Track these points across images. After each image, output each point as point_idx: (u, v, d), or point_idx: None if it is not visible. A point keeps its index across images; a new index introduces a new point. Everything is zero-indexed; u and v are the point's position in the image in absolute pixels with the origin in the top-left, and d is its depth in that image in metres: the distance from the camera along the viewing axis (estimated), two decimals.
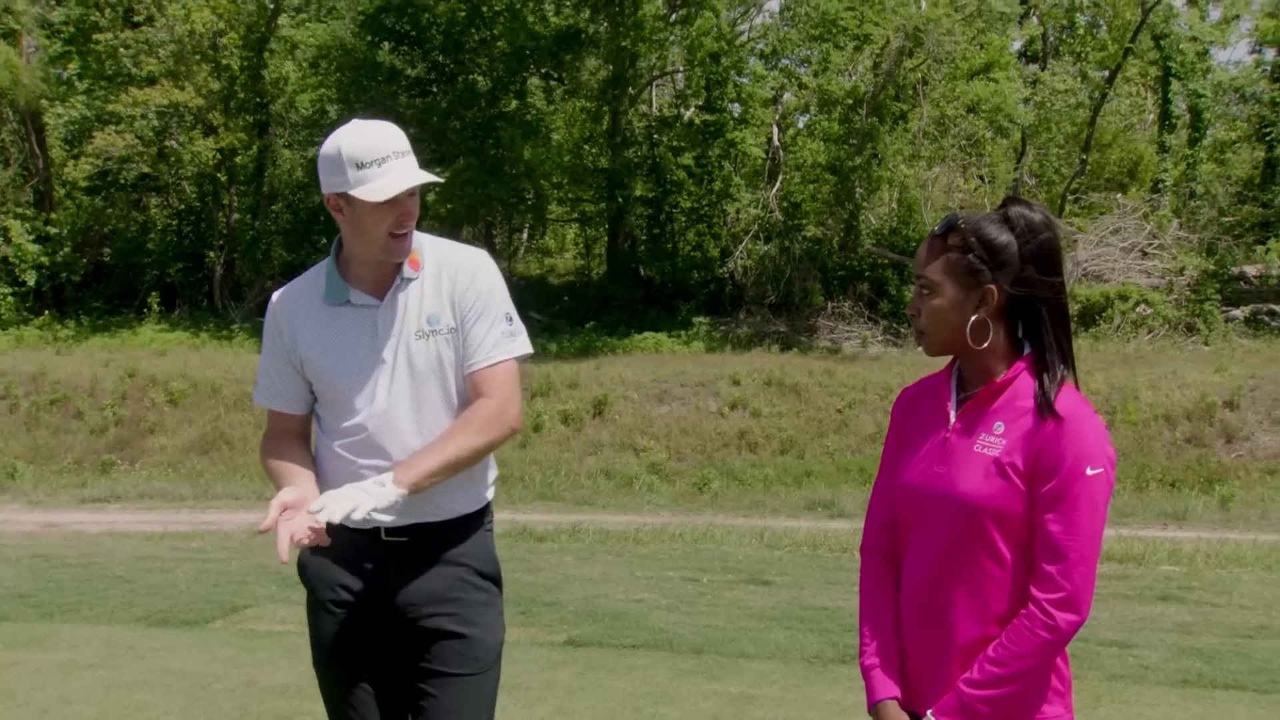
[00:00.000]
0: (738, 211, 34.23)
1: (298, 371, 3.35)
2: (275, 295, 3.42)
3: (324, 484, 3.29)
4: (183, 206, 36.83)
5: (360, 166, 3.15)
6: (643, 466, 23.52)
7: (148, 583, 10.14)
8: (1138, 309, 29.88)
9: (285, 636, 7.80)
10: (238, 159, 34.70)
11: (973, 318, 2.68)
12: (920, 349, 2.85)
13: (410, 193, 3.21)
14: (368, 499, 3.08)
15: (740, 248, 33.15)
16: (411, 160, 3.23)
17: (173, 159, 34.58)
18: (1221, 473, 22.18)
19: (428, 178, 3.24)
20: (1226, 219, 32.80)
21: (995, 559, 2.65)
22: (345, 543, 3.25)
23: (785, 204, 33.19)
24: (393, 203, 3.18)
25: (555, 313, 33.17)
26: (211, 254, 34.69)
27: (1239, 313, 30.20)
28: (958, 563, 2.67)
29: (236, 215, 35.32)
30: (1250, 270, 30.87)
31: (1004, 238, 2.67)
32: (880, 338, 30.82)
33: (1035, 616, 2.61)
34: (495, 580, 3.44)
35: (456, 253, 3.41)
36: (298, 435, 3.40)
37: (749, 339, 30.65)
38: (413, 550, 3.32)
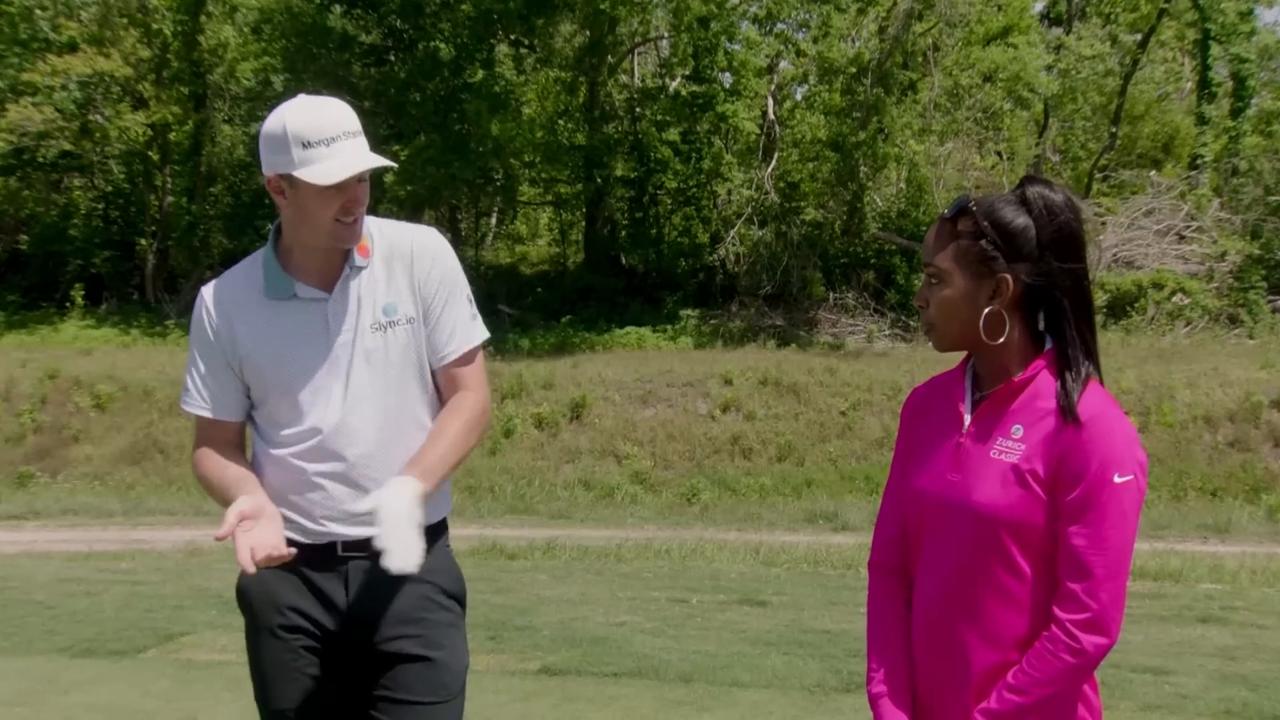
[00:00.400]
0: (729, 193, 34.23)
1: (236, 375, 3.34)
2: (205, 290, 3.39)
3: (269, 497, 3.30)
4: (109, 188, 36.68)
5: (306, 146, 3.16)
6: (625, 476, 23.52)
7: (71, 608, 10.10)
8: (1174, 299, 29.99)
9: (227, 667, 7.78)
10: (171, 135, 34.57)
11: (986, 310, 2.68)
12: (930, 344, 2.86)
13: (360, 177, 3.23)
14: (413, 508, 3.10)
15: (732, 233, 33.17)
16: (363, 142, 3.24)
17: (97, 135, 34.43)
18: (1269, 480, 22.28)
19: (380, 162, 3.24)
20: (1273, 198, 32.87)
21: (1014, 575, 2.65)
22: (296, 557, 3.24)
23: (782, 184, 33.21)
24: (340, 187, 3.19)
25: (528, 306, 33.15)
26: (143, 241, 34.57)
27: None
28: (973, 580, 2.68)
29: (170, 198, 35.20)
30: None
31: (1020, 221, 2.67)
32: (887, 332, 30.87)
33: (1059, 639, 2.61)
34: (460, 600, 3.47)
35: (407, 234, 3.44)
36: (235, 446, 3.40)
37: (742, 334, 30.67)
38: (372, 566, 3.25)
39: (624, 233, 35.26)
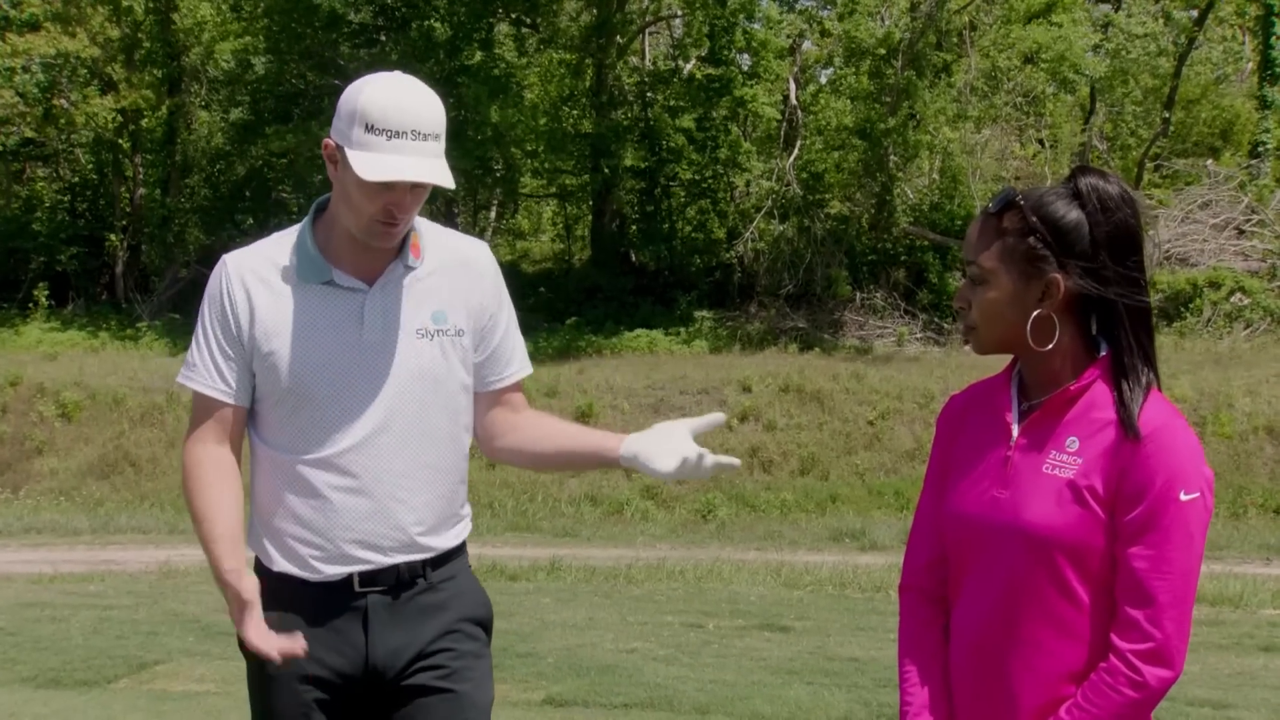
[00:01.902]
0: (748, 184, 34.26)
1: (242, 353, 3.26)
2: (228, 257, 3.31)
3: (262, 509, 3.25)
4: (76, 179, 36.77)
5: (369, 129, 3.12)
6: (635, 491, 23.54)
7: (35, 635, 10.11)
8: (1232, 299, 29.95)
9: (204, 698, 7.77)
10: (143, 122, 34.66)
11: (1034, 313, 2.66)
12: (968, 347, 2.83)
13: (411, 187, 3.17)
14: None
15: (751, 228, 33.19)
16: (433, 149, 3.17)
17: (63, 121, 34.53)
18: None
19: (439, 180, 3.17)
20: None
21: (1070, 602, 2.63)
22: (305, 599, 3.23)
23: (805, 175, 33.24)
24: (388, 186, 3.14)
25: (530, 306, 33.15)
26: (112, 237, 34.64)
27: None
28: (1023, 607, 2.65)
29: (142, 190, 35.29)
30: None
31: (1072, 216, 2.65)
32: (919, 335, 30.90)
33: (1118, 671, 2.58)
34: (487, 627, 3.44)
35: (465, 244, 3.44)
36: (234, 441, 3.31)
37: (762, 337, 30.70)
38: (392, 599, 3.28)
39: (634, 227, 35.30)
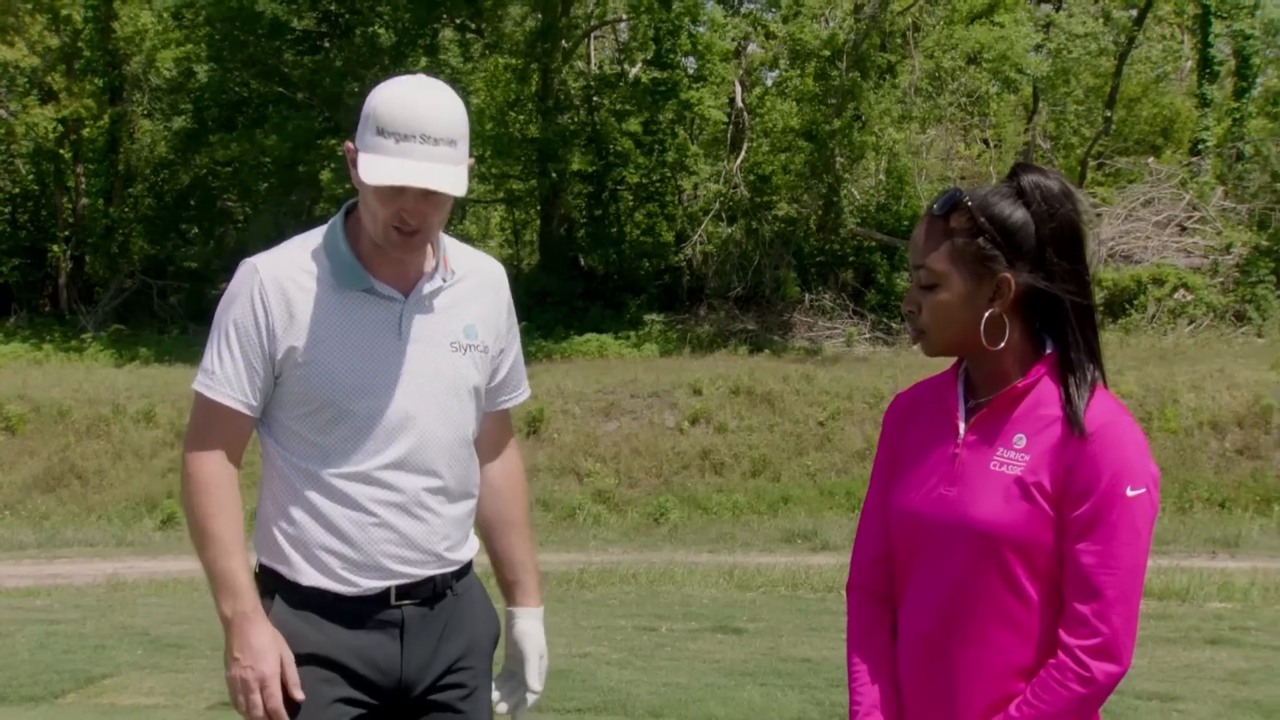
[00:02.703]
0: (695, 187, 34.35)
1: (269, 369, 3.16)
2: (259, 263, 3.20)
3: (289, 524, 3.17)
4: (17, 190, 36.45)
5: (380, 132, 3.05)
6: (587, 495, 23.54)
7: None
8: (1176, 295, 30.25)
9: (154, 711, 7.71)
10: (85, 131, 34.42)
11: (986, 314, 2.66)
12: (916, 348, 2.82)
13: (423, 194, 3.08)
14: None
15: (699, 231, 33.27)
16: (448, 154, 3.08)
17: (2, 131, 34.27)
18: None
19: (441, 185, 3.06)
20: None
21: (1019, 598, 2.63)
22: (338, 614, 3.17)
23: (752, 177, 33.34)
24: (398, 192, 3.06)
25: None
26: (55, 248, 34.39)
27: None
28: (972, 604, 2.66)
29: (85, 200, 35.02)
30: None
31: (1019, 215, 2.64)
32: (868, 335, 31.05)
33: (1067, 667, 2.59)
34: (496, 642, 3.43)
35: (485, 262, 3.42)
36: (239, 456, 3.21)
37: (711, 339, 30.76)
38: (428, 610, 3.26)
39: (582, 232, 35.31)
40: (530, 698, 3.44)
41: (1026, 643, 2.64)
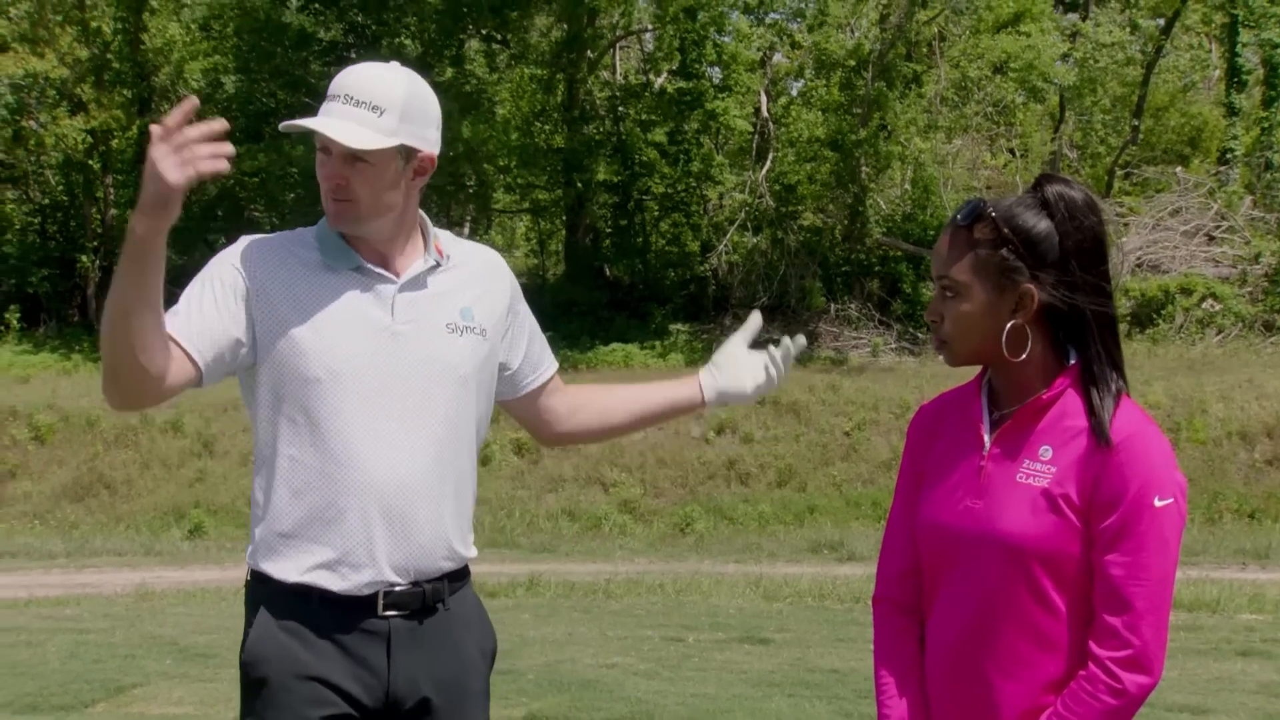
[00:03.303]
0: (721, 197, 34.33)
1: (234, 320, 3.05)
2: (247, 235, 3.20)
3: (277, 519, 3.07)
4: (46, 201, 36.63)
5: (329, 98, 3.10)
6: (613, 505, 23.56)
7: (11, 660, 10.06)
8: (1204, 305, 30.12)
9: None
10: (114, 142, 34.58)
11: (1009, 324, 2.66)
12: (941, 359, 2.83)
13: (346, 155, 3.04)
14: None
15: (724, 240, 33.25)
16: (366, 117, 3.05)
17: (32, 143, 34.43)
18: None
19: (339, 135, 3.02)
20: None
21: (1047, 610, 2.64)
22: (325, 617, 3.08)
23: (777, 187, 33.30)
24: (328, 156, 3.07)
25: None
26: (84, 258, 34.54)
27: None
28: (1000, 616, 2.66)
29: (114, 210, 35.17)
30: None
31: (1043, 226, 2.65)
32: (893, 345, 30.98)
33: (1097, 679, 2.59)
34: (494, 657, 3.33)
35: (480, 250, 3.41)
36: (162, 370, 2.95)
37: None
38: (416, 624, 3.15)
39: (607, 242, 35.32)
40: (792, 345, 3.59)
41: (1055, 654, 2.64)
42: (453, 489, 3.18)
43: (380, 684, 3.09)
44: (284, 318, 3.07)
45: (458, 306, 3.21)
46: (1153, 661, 2.59)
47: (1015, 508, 2.65)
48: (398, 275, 3.16)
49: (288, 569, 3.07)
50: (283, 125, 3.12)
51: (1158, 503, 2.59)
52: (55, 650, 10.43)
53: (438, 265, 3.22)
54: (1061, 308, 2.66)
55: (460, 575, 3.23)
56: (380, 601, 3.08)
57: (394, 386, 3.10)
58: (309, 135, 3.06)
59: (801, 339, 3.61)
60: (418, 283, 3.18)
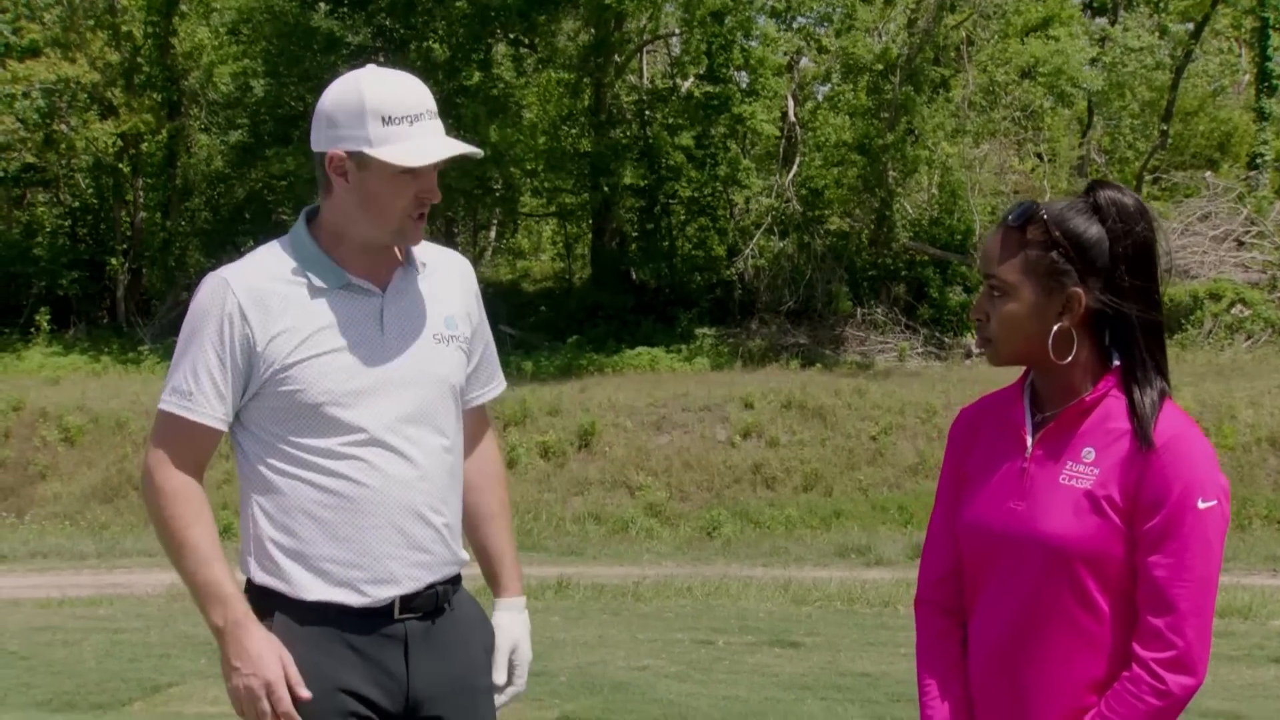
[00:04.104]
0: (747, 201, 34.31)
1: (242, 382, 3.07)
2: (228, 276, 3.10)
3: (284, 536, 3.07)
4: (77, 204, 36.78)
5: (388, 121, 3.01)
6: (639, 508, 23.56)
7: (48, 659, 10.12)
8: (1233, 310, 30.00)
9: None
10: (143, 146, 34.73)
11: (1055, 327, 2.68)
12: (982, 357, 2.85)
13: (432, 168, 3.09)
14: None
15: (751, 244, 33.21)
16: (441, 126, 3.11)
17: (63, 146, 34.55)
18: None
19: (468, 150, 3.10)
20: None
21: (1090, 612, 2.65)
22: (343, 629, 3.09)
23: (804, 191, 33.27)
24: (416, 174, 3.05)
25: (531, 326, 33.22)
26: (113, 261, 34.65)
27: None
28: (1043, 618, 2.67)
29: (143, 214, 35.32)
30: None
31: (1094, 231, 2.67)
32: (920, 350, 30.92)
33: (1141, 680, 2.61)
34: (492, 652, 3.35)
35: (449, 254, 3.38)
36: (204, 470, 3.13)
37: (763, 354, 30.70)
38: (430, 625, 3.19)
39: (634, 245, 35.31)
40: (509, 691, 3.33)
41: (1098, 655, 2.66)
42: (455, 495, 3.24)
43: (400, 688, 3.13)
44: (286, 352, 3.06)
45: (441, 315, 3.22)
46: (1196, 663, 2.60)
47: (1058, 509, 2.67)
48: (381, 287, 3.16)
49: (304, 588, 3.08)
50: (429, 159, 3.05)
51: (1201, 504, 2.60)
52: (91, 649, 10.50)
53: (416, 273, 3.21)
54: (1108, 313, 2.67)
55: (458, 577, 3.27)
56: (396, 607, 3.12)
57: (395, 402, 3.11)
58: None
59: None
60: (402, 293, 3.18)
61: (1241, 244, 31.79)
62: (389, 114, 3.02)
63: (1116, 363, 2.71)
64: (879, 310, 32.04)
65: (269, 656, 2.98)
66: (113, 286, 34.90)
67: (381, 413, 3.10)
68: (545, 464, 24.87)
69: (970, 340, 30.27)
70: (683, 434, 25.66)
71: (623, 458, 25.07)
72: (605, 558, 19.54)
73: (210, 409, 3.06)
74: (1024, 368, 2.82)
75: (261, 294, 3.08)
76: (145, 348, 32.13)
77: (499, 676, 3.30)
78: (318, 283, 3.11)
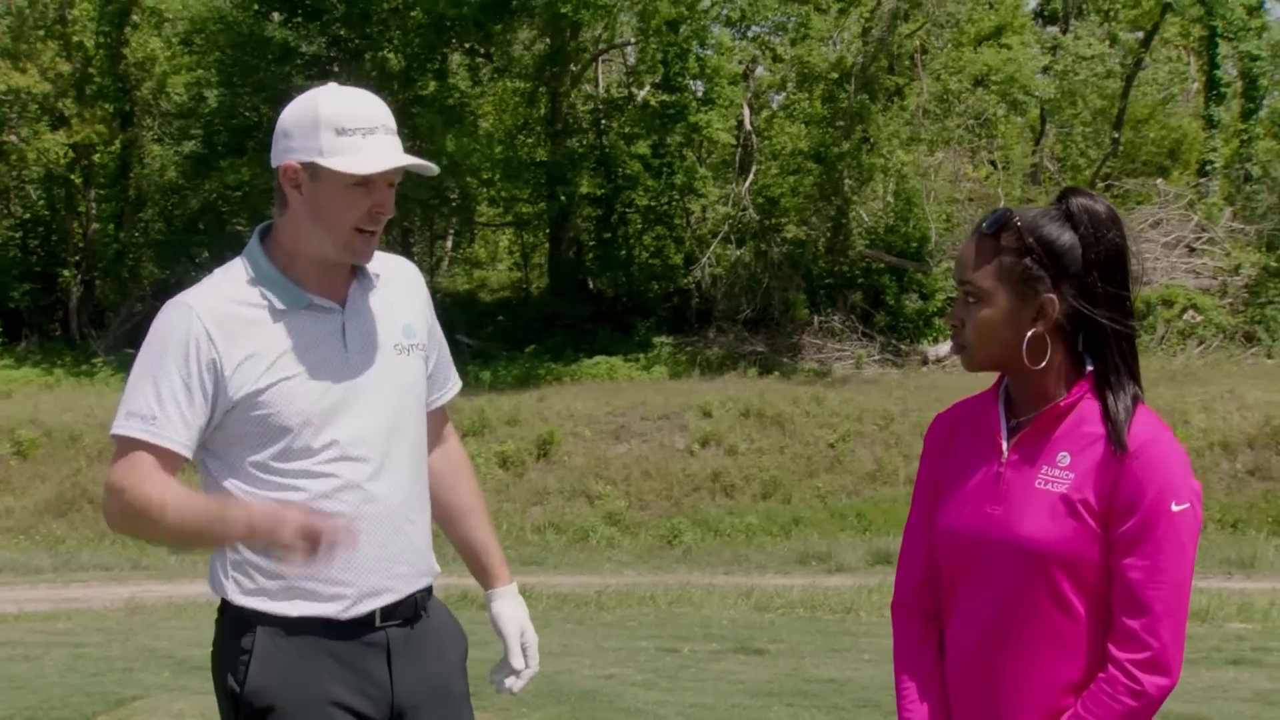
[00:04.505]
0: (704, 210, 34.36)
1: (209, 404, 3.02)
2: (191, 302, 3.07)
3: (260, 559, 3.05)
4: (28, 215, 36.50)
5: (341, 133, 3.03)
6: (598, 517, 23.54)
7: (9, 674, 10.02)
8: (1185, 316, 30.27)
9: None
10: (96, 156, 34.49)
11: (1029, 333, 2.70)
12: (939, 362, 2.87)
13: (391, 181, 3.10)
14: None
15: (708, 253, 33.29)
16: (399, 143, 3.12)
17: (14, 157, 34.33)
18: None
19: (420, 163, 3.11)
20: None
21: (1067, 614, 2.68)
22: (326, 642, 3.09)
23: (760, 200, 33.38)
24: (369, 187, 3.06)
25: (489, 335, 33.18)
26: (66, 272, 34.41)
27: None
28: (1020, 620, 2.70)
29: (96, 225, 35.08)
30: None
31: (1066, 238, 2.70)
32: (877, 357, 31.02)
33: (1118, 680, 2.63)
34: (466, 659, 3.39)
35: (397, 261, 3.39)
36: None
37: (721, 362, 30.76)
38: (409, 631, 3.21)
39: (591, 255, 35.33)
40: (526, 674, 3.42)
41: (1074, 657, 2.69)
42: (426, 504, 3.27)
43: (385, 696, 3.14)
44: (255, 377, 3.04)
45: (399, 325, 3.23)
46: (1171, 663, 2.64)
47: (1035, 513, 2.69)
48: (340, 303, 3.16)
49: (286, 606, 3.07)
50: (380, 167, 3.05)
51: (1175, 507, 2.63)
52: (53, 664, 10.41)
53: (373, 284, 3.22)
54: (1082, 317, 2.71)
55: (430, 585, 3.29)
56: (378, 616, 3.14)
57: (366, 417, 3.12)
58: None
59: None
60: (360, 307, 3.18)
61: (1193, 250, 32.08)
62: (343, 125, 3.03)
63: (1090, 368, 2.74)
64: (836, 318, 32.15)
65: (279, 508, 2.95)
66: (65, 298, 34.66)
67: (356, 429, 3.11)
68: (504, 474, 24.83)
69: (927, 347, 30.44)
70: (641, 443, 25.67)
71: (582, 467, 25.06)
72: (566, 567, 19.54)
73: (175, 433, 3.01)
74: (998, 373, 2.84)
75: (225, 319, 3.05)
76: (99, 360, 31.91)
77: (517, 662, 3.38)
78: (279, 305, 3.10)
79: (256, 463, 3.07)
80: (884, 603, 14.06)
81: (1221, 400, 24.76)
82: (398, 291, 3.28)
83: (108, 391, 29.68)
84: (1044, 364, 2.72)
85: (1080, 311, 2.70)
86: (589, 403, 26.85)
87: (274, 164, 3.13)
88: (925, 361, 29.62)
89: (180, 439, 3.01)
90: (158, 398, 3.01)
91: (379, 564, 3.13)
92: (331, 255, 3.12)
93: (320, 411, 3.08)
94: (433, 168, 3.15)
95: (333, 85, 3.15)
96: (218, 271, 3.18)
